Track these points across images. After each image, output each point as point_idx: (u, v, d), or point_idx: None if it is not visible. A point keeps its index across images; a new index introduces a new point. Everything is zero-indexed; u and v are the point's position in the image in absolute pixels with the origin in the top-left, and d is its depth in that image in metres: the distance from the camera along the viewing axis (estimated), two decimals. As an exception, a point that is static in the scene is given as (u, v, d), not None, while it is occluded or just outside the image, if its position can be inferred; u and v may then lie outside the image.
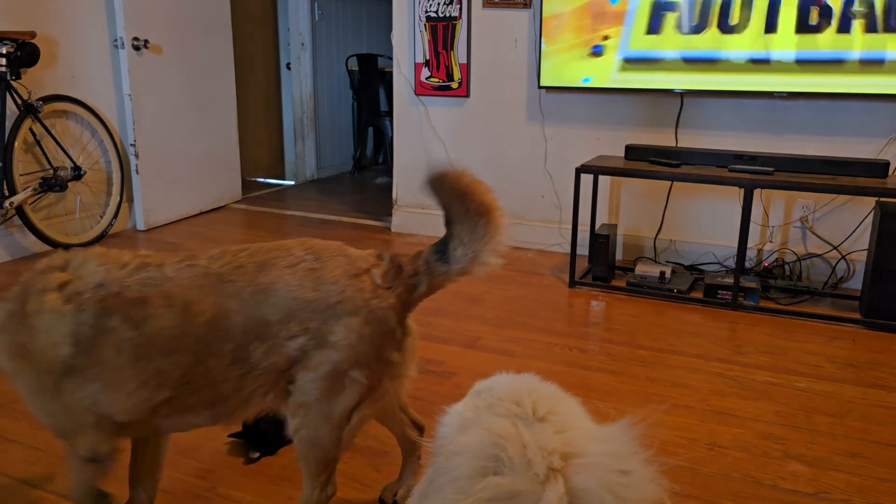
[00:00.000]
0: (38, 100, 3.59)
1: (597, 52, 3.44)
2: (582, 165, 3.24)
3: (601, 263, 3.32)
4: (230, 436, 1.95)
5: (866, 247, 3.18)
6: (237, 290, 1.33)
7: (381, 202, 5.14)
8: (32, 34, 3.49)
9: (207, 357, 1.32)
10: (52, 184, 3.66)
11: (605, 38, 3.40)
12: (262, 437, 1.91)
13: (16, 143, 3.50)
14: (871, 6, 2.94)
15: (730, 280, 3.10)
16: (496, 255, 1.37)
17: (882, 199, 2.98)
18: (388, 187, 5.52)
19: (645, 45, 3.34)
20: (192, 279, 1.34)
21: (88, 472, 1.41)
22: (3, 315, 1.35)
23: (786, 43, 3.10)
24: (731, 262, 3.47)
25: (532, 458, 0.83)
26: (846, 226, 3.30)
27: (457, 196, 1.35)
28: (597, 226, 3.51)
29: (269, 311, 1.32)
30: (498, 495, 0.82)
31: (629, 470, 0.84)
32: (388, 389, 1.45)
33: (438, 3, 3.91)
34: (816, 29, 3.03)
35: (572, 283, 3.34)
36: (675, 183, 3.56)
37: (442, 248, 1.39)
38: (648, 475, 0.85)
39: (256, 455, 1.89)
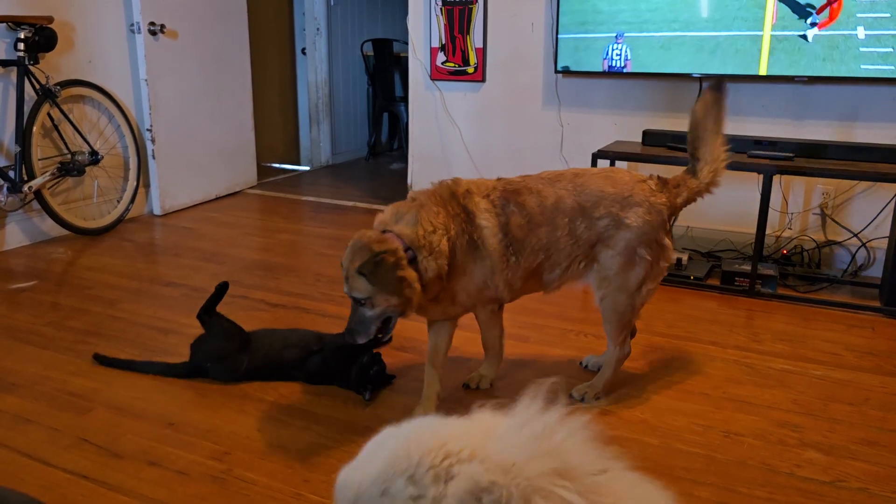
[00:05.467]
0: (56, 85, 3.61)
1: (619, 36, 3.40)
2: (598, 151, 3.21)
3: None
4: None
5: (887, 234, 3.14)
6: (564, 185, 1.98)
7: (396, 188, 5.13)
8: (50, 19, 3.50)
9: (554, 228, 1.94)
10: (69, 168, 3.69)
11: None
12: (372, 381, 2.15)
13: (34, 128, 3.52)
14: None
15: (747, 267, 3.07)
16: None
17: (904, 185, 2.94)
18: (403, 173, 5.51)
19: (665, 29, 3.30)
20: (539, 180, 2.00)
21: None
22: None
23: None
24: (749, 250, 3.44)
25: None
26: (867, 213, 3.26)
27: (712, 124, 2.00)
28: (613, 212, 3.48)
29: (585, 199, 1.96)
30: None
31: None
32: (663, 270, 2.03)
33: (454, -13, 3.88)
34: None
35: (587, 270, 3.32)
36: (692, 169, 3.52)
37: (692, 169, 2.06)
38: None
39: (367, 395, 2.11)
